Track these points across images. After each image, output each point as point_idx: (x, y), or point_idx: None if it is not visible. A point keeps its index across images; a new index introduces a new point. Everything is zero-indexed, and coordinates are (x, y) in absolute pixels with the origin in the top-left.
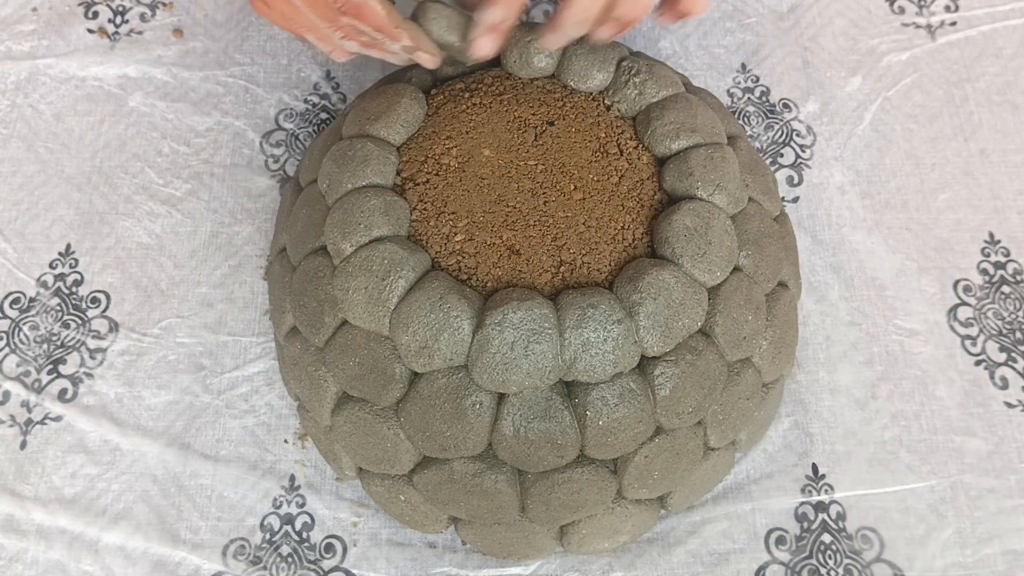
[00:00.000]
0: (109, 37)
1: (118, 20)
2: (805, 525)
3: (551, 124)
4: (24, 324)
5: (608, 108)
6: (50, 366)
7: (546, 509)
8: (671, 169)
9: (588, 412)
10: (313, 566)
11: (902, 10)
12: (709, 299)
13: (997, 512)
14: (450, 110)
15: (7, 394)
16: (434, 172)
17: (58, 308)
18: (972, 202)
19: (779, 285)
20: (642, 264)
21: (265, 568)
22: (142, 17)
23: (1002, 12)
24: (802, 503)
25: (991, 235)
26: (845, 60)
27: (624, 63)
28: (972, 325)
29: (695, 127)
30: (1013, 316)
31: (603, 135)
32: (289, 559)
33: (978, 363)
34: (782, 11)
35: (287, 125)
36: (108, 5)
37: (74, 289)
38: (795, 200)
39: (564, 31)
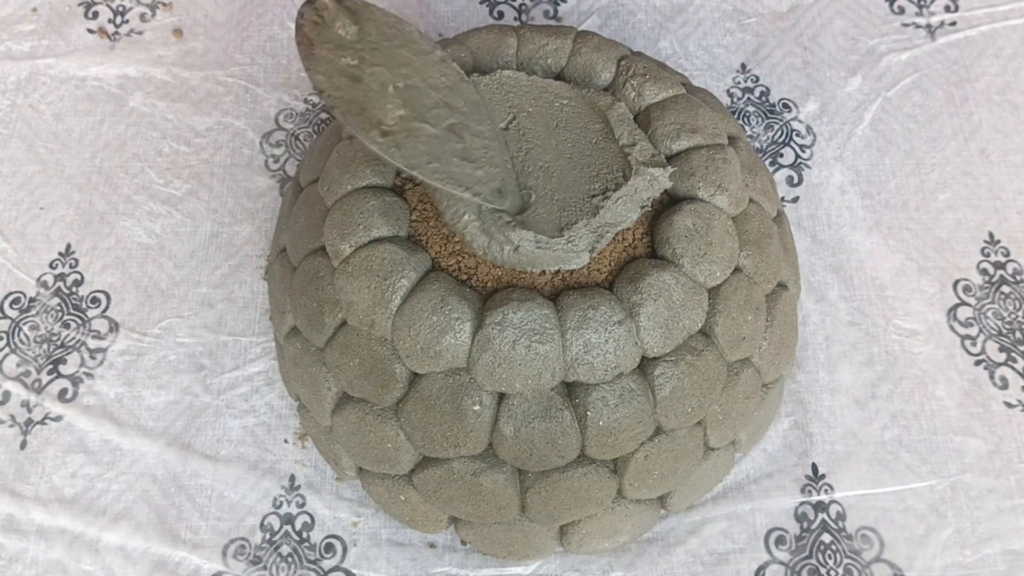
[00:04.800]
0: (109, 37)
1: (118, 20)
2: (805, 525)
3: None
4: (24, 324)
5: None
6: (50, 366)
7: (546, 509)
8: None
9: (589, 412)
10: (313, 566)
11: (902, 10)
12: (709, 300)
13: (997, 512)
14: None
15: (7, 394)
16: None
17: (58, 308)
18: (972, 202)
19: (779, 285)
20: (642, 265)
21: (265, 568)
22: (142, 17)
23: (1002, 12)
24: (802, 503)
25: (991, 235)
26: (845, 60)
27: (622, 62)
28: (972, 325)
29: (696, 128)
30: (1013, 316)
31: None
32: (289, 559)
33: (978, 363)
34: (782, 11)
35: (287, 125)
36: (108, 5)
37: (74, 289)
38: (795, 200)
39: None
